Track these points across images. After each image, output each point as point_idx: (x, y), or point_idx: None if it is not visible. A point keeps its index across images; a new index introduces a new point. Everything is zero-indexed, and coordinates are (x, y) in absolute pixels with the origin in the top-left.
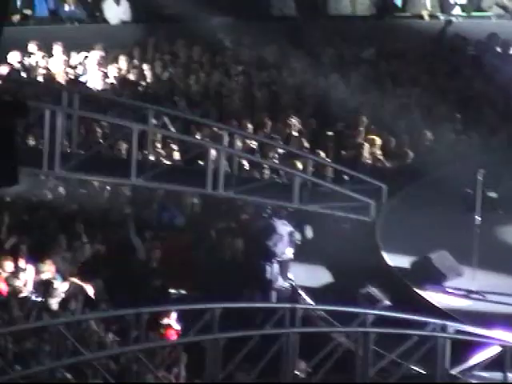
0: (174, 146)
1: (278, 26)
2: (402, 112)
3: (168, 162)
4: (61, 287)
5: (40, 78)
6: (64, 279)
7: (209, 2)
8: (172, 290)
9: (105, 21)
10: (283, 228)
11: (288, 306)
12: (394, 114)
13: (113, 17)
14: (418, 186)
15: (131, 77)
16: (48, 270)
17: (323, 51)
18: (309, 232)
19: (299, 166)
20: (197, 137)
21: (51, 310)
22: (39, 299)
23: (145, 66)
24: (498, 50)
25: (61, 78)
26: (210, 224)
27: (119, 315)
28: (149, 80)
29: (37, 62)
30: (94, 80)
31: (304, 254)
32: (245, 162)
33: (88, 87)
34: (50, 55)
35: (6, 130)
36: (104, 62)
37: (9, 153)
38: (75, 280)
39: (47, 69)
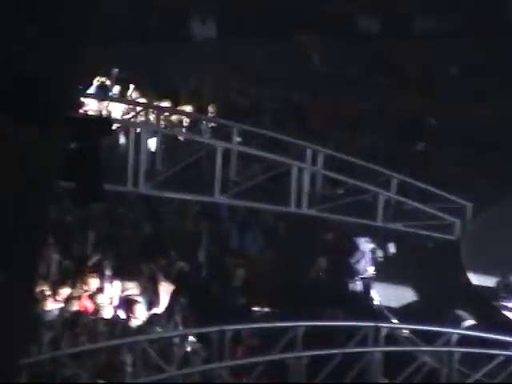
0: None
1: (363, 44)
2: (487, 129)
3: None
4: (145, 303)
5: None
6: (148, 295)
7: (295, 18)
8: (255, 308)
9: (190, 38)
10: (366, 245)
11: (372, 324)
12: (480, 131)
13: (198, 35)
14: (504, 205)
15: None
16: (132, 287)
17: (407, 69)
18: (392, 249)
19: None
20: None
21: (136, 325)
22: (124, 316)
23: (231, 84)
24: None
25: None
26: (294, 242)
27: (203, 333)
28: (234, 97)
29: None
30: None
31: (387, 272)
32: (328, 180)
33: None
34: None
35: (92, 147)
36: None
37: (94, 170)
38: (160, 296)
39: None
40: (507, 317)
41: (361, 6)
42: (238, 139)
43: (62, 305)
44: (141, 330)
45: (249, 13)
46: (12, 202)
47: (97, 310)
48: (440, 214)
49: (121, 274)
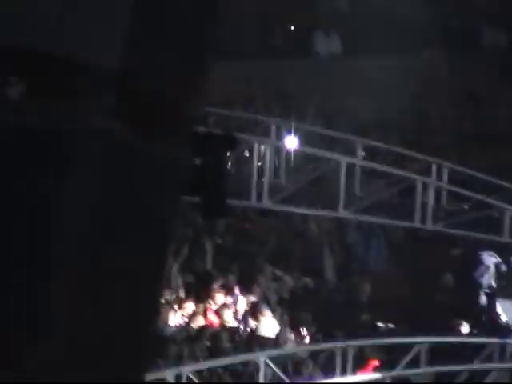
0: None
1: (489, 57)
2: None
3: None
4: (268, 318)
5: None
6: (271, 310)
7: (418, 33)
8: (380, 324)
9: (315, 54)
10: (490, 259)
11: (498, 341)
12: None
13: (324, 51)
14: None
15: None
16: (255, 302)
17: None
18: None
19: None
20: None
21: (260, 340)
22: (248, 330)
23: (356, 99)
24: None
25: None
26: (420, 257)
27: (326, 348)
28: (359, 112)
29: None
30: None
31: None
32: (454, 195)
33: None
34: None
35: (217, 162)
36: None
37: (219, 185)
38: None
39: None
40: None
41: (488, 19)
42: (363, 154)
43: (187, 319)
44: (265, 344)
45: (374, 28)
46: (138, 214)
47: (222, 325)
48: None
49: (246, 289)
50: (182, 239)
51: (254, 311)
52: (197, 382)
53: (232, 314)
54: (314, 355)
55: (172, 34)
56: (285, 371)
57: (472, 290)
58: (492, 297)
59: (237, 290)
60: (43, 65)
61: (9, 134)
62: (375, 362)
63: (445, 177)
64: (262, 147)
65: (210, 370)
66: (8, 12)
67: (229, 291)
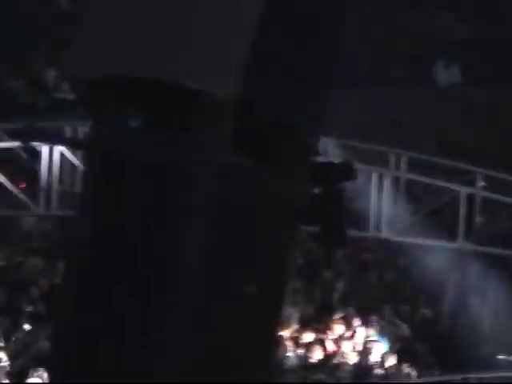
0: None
1: None
2: None
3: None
4: (387, 350)
5: None
6: (389, 343)
7: None
8: (501, 356)
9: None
10: None
11: None
12: None
13: (442, 80)
14: None
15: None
16: (375, 333)
17: None
18: None
19: None
20: None
21: (374, 373)
22: (366, 362)
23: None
24: None
25: None
26: None
27: (445, 381)
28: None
29: None
30: None
31: None
32: None
33: None
34: None
35: (335, 192)
36: None
37: (338, 215)
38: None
39: None
40: None
41: None
42: (483, 184)
43: (305, 349)
44: (384, 377)
45: (493, 57)
46: (256, 244)
47: (341, 356)
48: None
49: (364, 319)
50: (301, 269)
51: (372, 342)
52: None
53: (351, 346)
54: None
55: (288, 61)
56: None
57: None
58: None
59: (356, 322)
60: (166, 96)
61: (132, 167)
62: None
63: None
64: (381, 177)
65: None
66: (135, 46)
67: (348, 322)
